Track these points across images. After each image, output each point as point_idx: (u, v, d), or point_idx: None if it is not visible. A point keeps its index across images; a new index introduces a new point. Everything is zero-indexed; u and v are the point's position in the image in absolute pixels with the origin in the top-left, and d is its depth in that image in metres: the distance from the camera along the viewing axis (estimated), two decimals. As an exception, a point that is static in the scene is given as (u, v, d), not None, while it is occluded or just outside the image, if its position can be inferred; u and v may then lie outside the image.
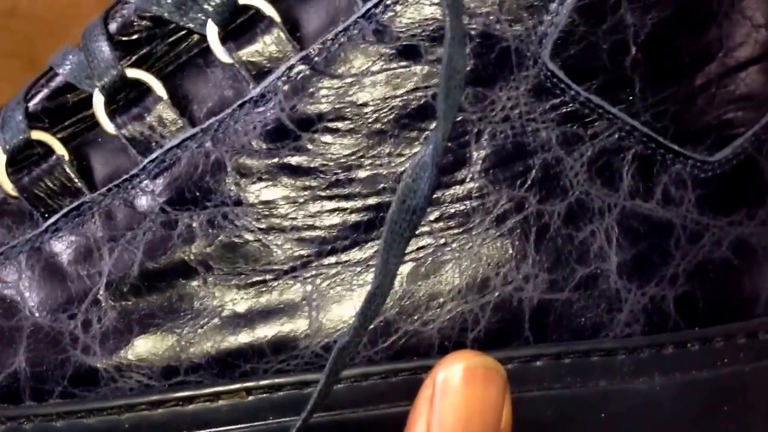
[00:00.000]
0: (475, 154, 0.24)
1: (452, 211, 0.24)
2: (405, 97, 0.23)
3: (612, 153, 0.25)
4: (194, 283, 0.24)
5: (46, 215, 0.24)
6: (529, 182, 0.24)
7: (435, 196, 0.24)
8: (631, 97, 0.24)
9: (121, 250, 0.24)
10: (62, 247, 0.24)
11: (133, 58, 0.25)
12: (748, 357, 0.26)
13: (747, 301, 0.26)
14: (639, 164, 0.25)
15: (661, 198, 0.25)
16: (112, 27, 0.25)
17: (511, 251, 0.24)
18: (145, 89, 0.24)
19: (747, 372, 0.26)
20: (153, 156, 0.24)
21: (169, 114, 0.24)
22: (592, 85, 0.24)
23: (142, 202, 0.24)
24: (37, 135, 0.25)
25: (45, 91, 0.25)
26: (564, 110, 0.24)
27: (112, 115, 0.24)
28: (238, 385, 0.23)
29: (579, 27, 0.23)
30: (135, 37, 0.25)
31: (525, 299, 0.24)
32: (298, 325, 0.24)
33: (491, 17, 0.23)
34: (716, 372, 0.25)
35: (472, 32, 0.23)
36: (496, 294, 0.24)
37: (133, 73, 0.24)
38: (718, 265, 0.25)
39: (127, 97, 0.24)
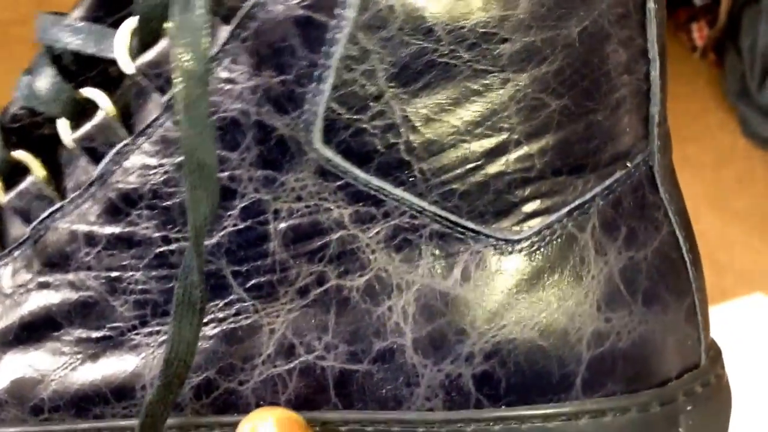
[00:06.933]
0: (274, 230, 0.26)
1: (261, 281, 0.27)
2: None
3: (408, 231, 0.26)
4: (59, 335, 0.28)
5: None
6: (327, 257, 0.26)
7: (244, 267, 0.27)
8: (412, 178, 0.26)
9: (11, 304, 0.28)
10: None
11: (20, 141, 0.29)
12: None
13: (558, 383, 0.26)
14: (438, 242, 0.26)
15: (460, 277, 0.26)
16: (4, 118, 0.30)
17: (313, 321, 0.27)
18: (28, 168, 0.29)
19: None
20: (31, 226, 0.28)
21: (43, 189, 0.28)
22: (370, 168, 0.26)
23: (29, 264, 0.28)
24: None
25: None
26: (351, 190, 0.26)
27: (6, 189, 0.29)
28: (89, 425, 0.28)
29: (342, 115, 0.25)
30: (22, 125, 0.29)
31: (327, 368, 0.27)
32: (135, 376, 0.28)
33: (261, 108, 0.26)
34: None
35: (248, 121, 0.26)
36: (301, 360, 0.27)
37: (17, 155, 0.29)
38: (521, 346, 0.26)
39: (14, 176, 0.29)
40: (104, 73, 0.29)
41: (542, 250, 0.26)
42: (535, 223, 0.26)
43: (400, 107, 0.25)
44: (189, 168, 0.24)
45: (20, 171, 0.29)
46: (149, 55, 0.26)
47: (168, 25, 0.26)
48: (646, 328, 0.27)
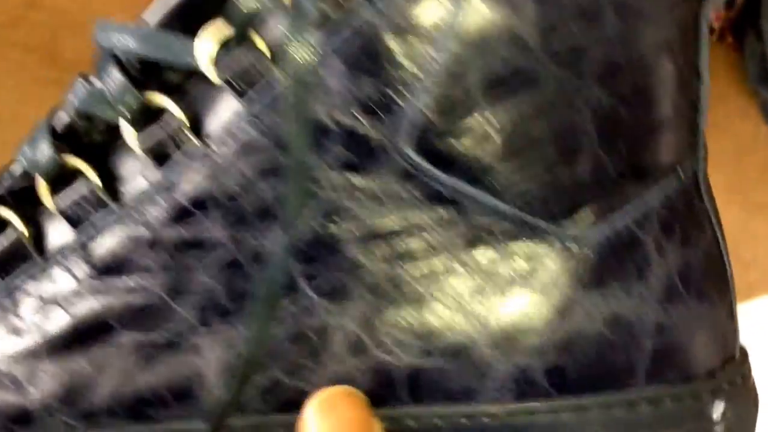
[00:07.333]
0: (351, 233, 0.27)
1: (333, 281, 0.27)
2: (279, 179, 0.27)
3: (482, 232, 0.27)
4: (113, 338, 0.28)
5: (6, 278, 0.30)
6: (403, 258, 0.27)
7: (316, 269, 0.27)
8: (494, 182, 0.27)
9: (60, 311, 0.29)
10: (17, 306, 0.29)
11: (72, 147, 0.30)
12: (626, 428, 0.28)
13: (622, 372, 0.28)
14: (510, 242, 0.27)
15: (532, 274, 0.27)
16: (56, 123, 0.30)
17: (386, 320, 0.27)
18: (81, 174, 0.29)
19: None
20: (83, 230, 0.28)
21: (97, 195, 0.29)
22: (455, 171, 0.27)
23: (78, 270, 0.29)
24: (1, 211, 0.30)
25: (8, 176, 0.31)
26: (432, 193, 0.27)
27: (54, 194, 0.29)
28: (145, 427, 0.28)
29: (434, 122, 0.26)
30: (74, 131, 0.30)
31: (399, 364, 0.27)
32: (196, 377, 0.28)
33: (353, 115, 0.26)
34: None
35: (338, 128, 0.27)
36: (372, 357, 0.28)
37: (70, 161, 0.29)
38: (590, 339, 0.27)
39: (66, 182, 0.29)
40: (161, 77, 0.29)
41: (609, 248, 0.28)
42: (603, 223, 0.28)
43: (488, 114, 0.26)
44: (290, 167, 0.25)
45: (68, 176, 0.29)
46: (234, 61, 0.27)
47: (253, 34, 0.27)
48: (700, 322, 0.28)
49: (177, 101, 0.28)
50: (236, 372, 0.26)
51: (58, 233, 0.29)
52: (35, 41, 0.42)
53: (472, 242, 0.27)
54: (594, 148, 0.27)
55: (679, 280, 0.28)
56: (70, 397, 0.28)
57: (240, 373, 0.26)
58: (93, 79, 0.30)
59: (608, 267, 0.28)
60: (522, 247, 0.27)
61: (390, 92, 0.26)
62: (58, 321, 0.28)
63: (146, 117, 0.29)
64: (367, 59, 0.26)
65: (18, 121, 0.43)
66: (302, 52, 0.26)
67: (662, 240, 0.28)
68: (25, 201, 0.30)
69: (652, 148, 0.28)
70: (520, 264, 0.27)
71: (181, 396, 0.28)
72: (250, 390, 0.28)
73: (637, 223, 0.28)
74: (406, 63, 0.26)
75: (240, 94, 0.27)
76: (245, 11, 0.27)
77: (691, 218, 0.29)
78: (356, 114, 0.27)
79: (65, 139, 0.30)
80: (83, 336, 0.28)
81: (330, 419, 0.26)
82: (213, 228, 0.28)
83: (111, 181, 0.29)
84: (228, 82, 0.27)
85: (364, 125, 0.27)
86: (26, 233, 0.30)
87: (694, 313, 0.28)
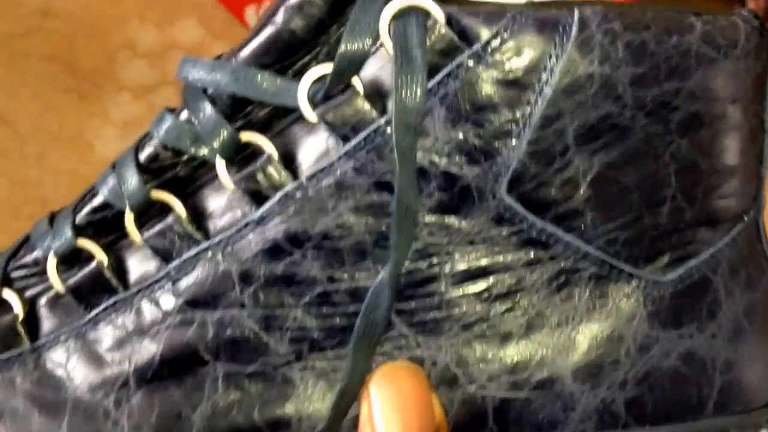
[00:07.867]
0: (443, 271, 0.28)
1: (426, 318, 0.29)
2: (382, 222, 0.28)
3: (569, 273, 0.29)
4: (204, 370, 0.29)
5: (88, 309, 0.30)
6: (493, 296, 0.29)
7: (410, 305, 0.28)
8: (583, 226, 0.29)
9: (147, 342, 0.29)
10: (101, 336, 0.29)
11: (159, 181, 0.30)
12: None
13: (695, 405, 0.30)
14: (594, 283, 0.29)
15: (614, 313, 0.29)
16: (141, 156, 0.30)
17: (477, 354, 0.29)
18: (167, 207, 0.30)
19: None
20: (174, 264, 0.29)
21: (186, 229, 0.29)
22: (547, 216, 0.28)
23: (165, 301, 0.29)
24: (81, 242, 0.30)
25: (89, 207, 0.31)
26: (524, 236, 0.28)
27: (140, 228, 0.30)
28: None
29: (530, 168, 0.28)
30: (160, 164, 0.30)
31: (488, 396, 0.29)
32: (290, 410, 0.29)
33: (452, 159, 0.28)
34: None
35: (436, 171, 0.28)
36: (463, 390, 0.29)
37: (158, 194, 0.30)
38: (667, 373, 0.29)
39: (152, 215, 0.30)
40: (249, 113, 0.29)
41: (684, 290, 0.30)
42: (679, 266, 0.30)
43: (580, 163, 0.28)
44: (398, 211, 0.26)
45: (155, 209, 0.29)
46: (333, 101, 0.28)
47: (355, 79, 0.28)
48: (761, 357, 0.31)
49: (269, 138, 0.29)
50: (334, 404, 0.27)
51: (141, 264, 0.30)
52: (52, 50, 0.41)
53: (559, 282, 0.29)
54: (674, 196, 0.29)
55: (745, 319, 0.30)
56: (164, 427, 0.28)
57: (338, 405, 0.27)
58: (181, 112, 0.30)
59: (684, 308, 0.30)
60: (606, 288, 0.29)
61: (490, 139, 0.28)
62: (147, 351, 0.29)
63: (238, 153, 0.29)
64: (469, 107, 0.27)
65: (38, 133, 0.42)
66: (410, 98, 0.26)
67: (730, 282, 0.30)
68: (105, 231, 0.30)
69: (722, 195, 0.30)
70: (604, 304, 0.29)
71: (276, 427, 0.28)
72: (346, 422, 0.28)
73: (709, 267, 0.30)
74: (506, 111, 0.28)
75: (336, 133, 0.28)
76: (346, 53, 0.28)
77: (754, 261, 0.31)
78: (455, 159, 0.28)
79: (149, 172, 0.30)
80: (174, 367, 0.28)
81: (389, 389, 0.27)
82: (307, 265, 0.28)
83: (198, 215, 0.29)
84: (325, 122, 0.28)
85: (462, 169, 0.28)
86: (106, 264, 0.30)
87: (756, 349, 0.31)
